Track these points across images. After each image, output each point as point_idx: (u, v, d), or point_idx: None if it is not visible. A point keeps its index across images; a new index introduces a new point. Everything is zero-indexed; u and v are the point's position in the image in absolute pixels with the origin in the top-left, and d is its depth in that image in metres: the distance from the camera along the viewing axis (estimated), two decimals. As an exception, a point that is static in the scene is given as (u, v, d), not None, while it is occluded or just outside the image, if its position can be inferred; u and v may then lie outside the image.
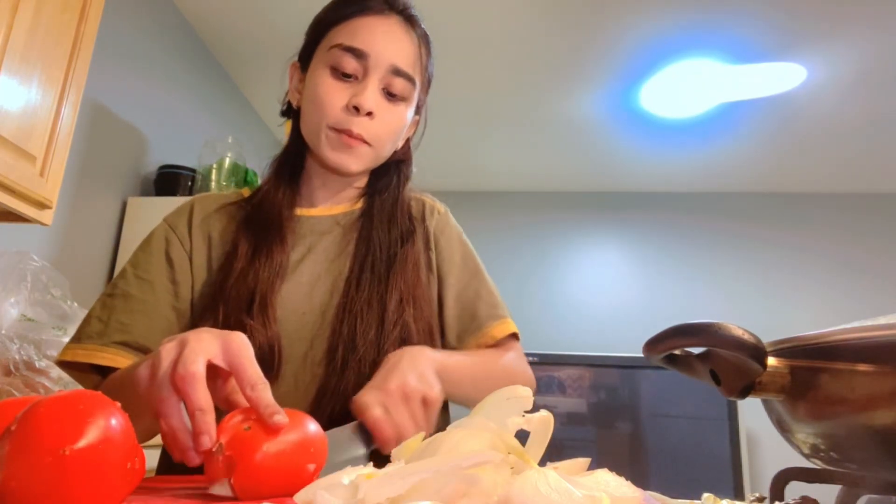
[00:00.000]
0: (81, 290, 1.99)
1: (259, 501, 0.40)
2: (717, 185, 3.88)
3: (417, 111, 0.89)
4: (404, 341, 0.76)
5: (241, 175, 2.40)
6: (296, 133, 0.88)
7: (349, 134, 0.78)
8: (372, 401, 0.63)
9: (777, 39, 2.55)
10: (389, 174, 0.90)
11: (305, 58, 0.86)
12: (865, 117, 3.04)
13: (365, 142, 0.80)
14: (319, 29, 0.84)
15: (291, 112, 0.90)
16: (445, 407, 0.87)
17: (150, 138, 2.40)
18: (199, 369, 0.47)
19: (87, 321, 0.76)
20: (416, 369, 0.66)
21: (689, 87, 2.92)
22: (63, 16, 1.46)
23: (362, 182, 0.91)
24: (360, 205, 0.89)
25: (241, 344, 0.51)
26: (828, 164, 3.53)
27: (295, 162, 0.88)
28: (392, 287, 0.79)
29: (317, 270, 0.82)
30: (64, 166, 1.48)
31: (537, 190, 4.12)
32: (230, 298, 0.75)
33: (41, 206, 1.43)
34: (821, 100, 2.92)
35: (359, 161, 0.81)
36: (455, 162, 3.79)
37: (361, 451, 0.61)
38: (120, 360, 0.72)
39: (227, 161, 2.38)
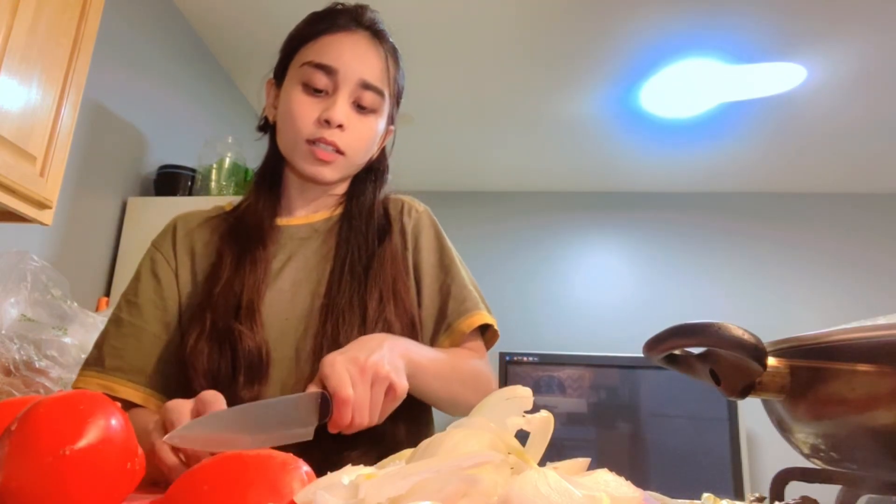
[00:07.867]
0: (81, 290, 1.99)
1: None
2: (717, 185, 3.88)
3: (391, 121, 0.92)
4: None
5: (241, 175, 2.40)
6: (273, 147, 0.91)
7: (323, 141, 0.81)
8: (345, 376, 0.61)
9: (777, 39, 2.55)
10: (366, 181, 0.93)
11: (280, 74, 0.89)
12: (865, 117, 3.04)
13: (339, 151, 0.82)
14: (292, 46, 0.88)
15: (268, 127, 0.92)
16: (430, 416, 0.89)
17: (150, 138, 2.40)
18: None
19: (92, 350, 0.82)
20: (393, 356, 0.66)
21: (689, 87, 2.92)
22: (63, 16, 1.46)
23: (340, 190, 0.93)
24: (338, 211, 0.91)
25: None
26: (828, 164, 3.53)
27: (273, 174, 0.91)
28: (371, 286, 0.81)
29: (298, 277, 0.84)
30: (64, 166, 1.48)
31: (537, 190, 4.12)
32: (218, 306, 0.78)
33: (41, 206, 1.43)
34: (821, 100, 2.92)
35: (333, 171, 0.84)
36: (454, 162, 3.79)
37: (313, 425, 0.59)
38: (118, 388, 0.78)
39: (227, 161, 2.38)
